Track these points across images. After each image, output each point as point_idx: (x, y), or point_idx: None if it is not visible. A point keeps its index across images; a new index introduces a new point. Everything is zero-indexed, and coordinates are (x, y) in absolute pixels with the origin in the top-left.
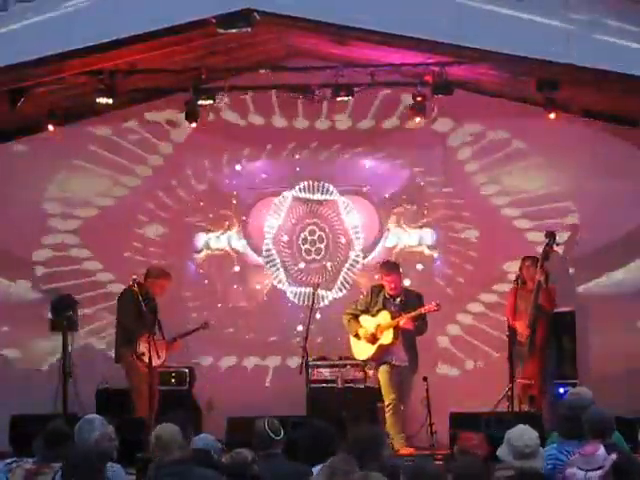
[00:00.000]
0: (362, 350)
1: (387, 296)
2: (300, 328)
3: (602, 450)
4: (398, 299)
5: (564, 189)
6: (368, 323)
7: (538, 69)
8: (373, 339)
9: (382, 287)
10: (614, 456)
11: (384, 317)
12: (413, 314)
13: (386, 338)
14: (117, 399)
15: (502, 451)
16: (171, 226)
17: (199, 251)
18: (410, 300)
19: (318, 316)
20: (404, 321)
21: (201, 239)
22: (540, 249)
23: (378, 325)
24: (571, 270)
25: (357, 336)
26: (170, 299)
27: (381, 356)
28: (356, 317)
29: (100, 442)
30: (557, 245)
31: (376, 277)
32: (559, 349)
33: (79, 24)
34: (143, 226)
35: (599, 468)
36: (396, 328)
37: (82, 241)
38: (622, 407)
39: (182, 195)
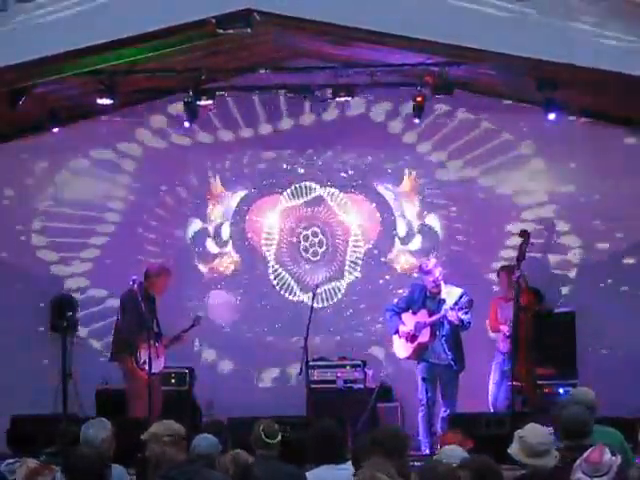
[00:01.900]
0: (402, 348)
1: (428, 294)
2: (300, 328)
3: (608, 456)
4: (439, 297)
5: (563, 189)
6: (408, 321)
7: (538, 69)
8: (412, 337)
9: (424, 284)
10: (619, 458)
11: (423, 315)
12: (449, 309)
13: (424, 336)
14: (117, 399)
15: (513, 449)
16: (172, 226)
17: (199, 251)
18: (451, 298)
19: (319, 316)
20: (450, 314)
21: (201, 239)
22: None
23: (417, 323)
24: (558, 273)
25: (397, 333)
26: (168, 298)
27: (420, 355)
28: (398, 314)
29: (105, 443)
30: (532, 244)
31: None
32: (557, 349)
33: (79, 24)
34: (145, 225)
35: (606, 474)
36: (433, 326)
37: (83, 241)
38: (622, 407)
39: (183, 194)
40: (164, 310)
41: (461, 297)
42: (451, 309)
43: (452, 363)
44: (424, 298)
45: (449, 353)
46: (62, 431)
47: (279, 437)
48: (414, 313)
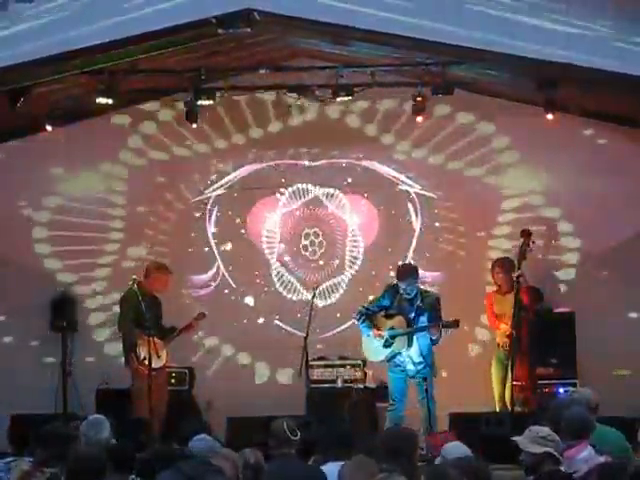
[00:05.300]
0: (375, 352)
1: (403, 299)
2: (300, 327)
3: (585, 454)
4: (416, 303)
5: (564, 189)
6: (383, 325)
7: (538, 69)
8: (387, 343)
9: (399, 288)
10: (602, 459)
11: (399, 322)
12: (434, 328)
13: (399, 345)
14: (117, 399)
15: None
16: (174, 225)
17: (200, 251)
18: (428, 304)
19: (319, 315)
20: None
21: (202, 239)
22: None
23: (392, 329)
24: (557, 272)
25: (369, 337)
26: (172, 297)
27: (393, 360)
28: (369, 316)
29: (110, 441)
30: (533, 243)
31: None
32: (557, 349)
33: (79, 24)
34: (146, 224)
35: (576, 471)
36: (411, 335)
37: (83, 240)
38: (622, 407)
39: (185, 194)
40: (167, 310)
41: (433, 306)
42: (423, 330)
43: (426, 368)
44: (399, 302)
45: (423, 359)
46: (47, 430)
47: (298, 433)
48: (389, 317)
